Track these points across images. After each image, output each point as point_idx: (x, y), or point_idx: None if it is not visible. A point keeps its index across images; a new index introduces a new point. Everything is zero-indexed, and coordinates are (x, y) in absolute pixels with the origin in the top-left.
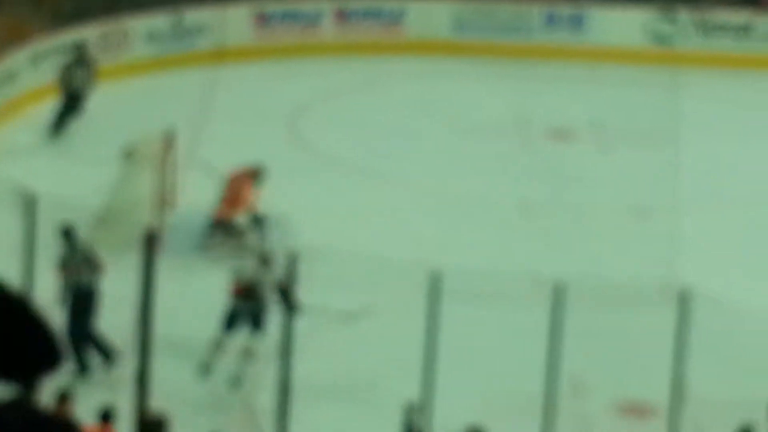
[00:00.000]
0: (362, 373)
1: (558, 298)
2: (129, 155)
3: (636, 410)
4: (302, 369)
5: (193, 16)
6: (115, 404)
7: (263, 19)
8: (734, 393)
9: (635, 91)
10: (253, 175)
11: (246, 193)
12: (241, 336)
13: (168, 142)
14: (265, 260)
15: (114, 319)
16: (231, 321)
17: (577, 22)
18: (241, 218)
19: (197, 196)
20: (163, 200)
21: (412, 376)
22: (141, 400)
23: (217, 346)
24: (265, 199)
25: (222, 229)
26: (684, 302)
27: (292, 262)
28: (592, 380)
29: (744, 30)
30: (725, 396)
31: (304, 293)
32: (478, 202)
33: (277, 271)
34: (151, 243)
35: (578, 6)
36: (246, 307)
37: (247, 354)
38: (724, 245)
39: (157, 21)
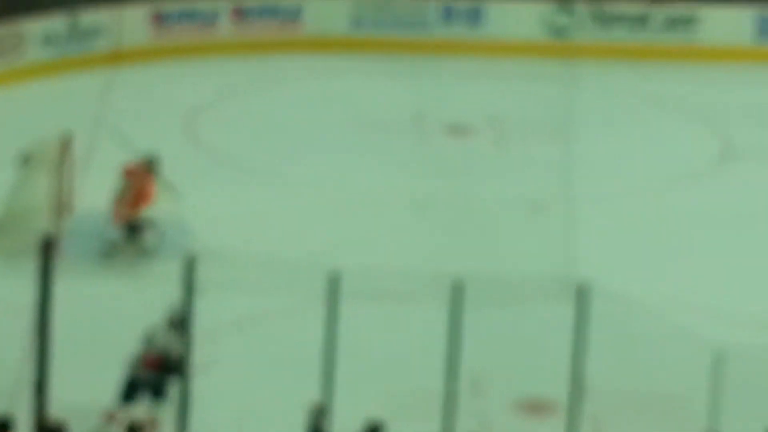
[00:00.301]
0: (264, 373)
1: (456, 296)
2: (26, 160)
3: (535, 407)
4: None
5: (89, 17)
6: (13, 413)
7: (160, 19)
8: (633, 386)
9: (533, 85)
10: (150, 168)
11: (149, 187)
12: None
13: (65, 145)
14: (177, 325)
15: (11, 327)
16: (130, 392)
17: (474, 16)
18: (146, 216)
19: (97, 200)
20: (61, 205)
21: (314, 378)
22: (39, 408)
23: (110, 419)
24: (163, 201)
25: (128, 231)
26: (582, 297)
27: (190, 264)
28: (492, 377)
29: (641, 21)
30: (624, 389)
31: (201, 298)
32: (376, 200)
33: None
34: (48, 249)
35: (475, 0)
36: (151, 378)
37: (151, 426)
38: (621, 238)
39: (53, 23)
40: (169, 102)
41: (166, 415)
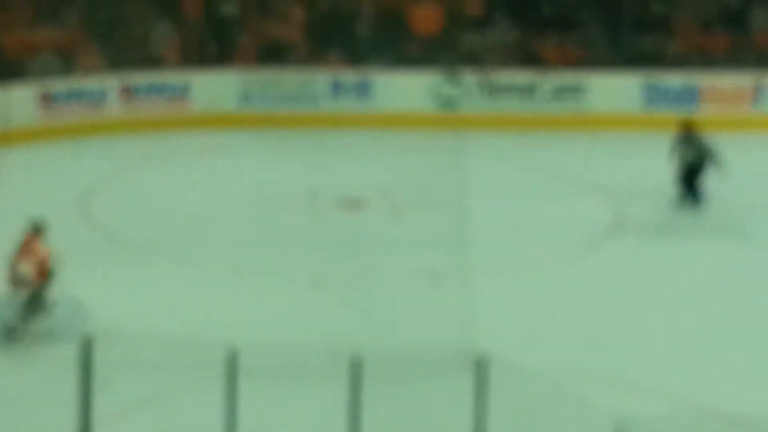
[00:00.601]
0: None
1: (355, 372)
2: None
3: None
4: None
5: None
6: None
7: (48, 99)
8: None
9: (423, 156)
10: (36, 231)
11: (35, 245)
12: None
13: None
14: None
15: None
16: None
17: (362, 89)
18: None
19: None
20: None
21: None
22: None
23: None
24: (59, 282)
25: (23, 309)
26: (481, 368)
27: (87, 345)
28: None
29: (528, 90)
30: None
31: (99, 377)
32: (272, 276)
33: None
34: None
35: (363, 73)
36: None
37: None
38: (517, 309)
39: None
40: (59, 183)
41: None
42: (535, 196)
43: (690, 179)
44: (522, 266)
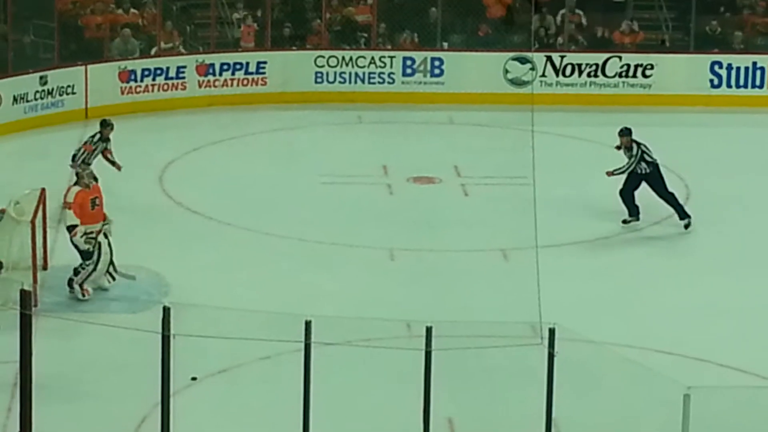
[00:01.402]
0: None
1: (428, 341)
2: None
3: None
4: None
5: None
6: None
7: (127, 77)
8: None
9: (493, 135)
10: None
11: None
12: None
13: (39, 201)
14: None
15: None
16: None
17: (434, 69)
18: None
19: (70, 255)
20: (37, 259)
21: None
22: None
23: None
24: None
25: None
26: (550, 340)
27: (167, 315)
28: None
29: (597, 70)
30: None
31: (178, 346)
32: (347, 250)
33: None
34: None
35: (435, 53)
36: None
37: None
38: (582, 281)
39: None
40: (141, 157)
41: None
42: (603, 174)
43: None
44: (587, 241)
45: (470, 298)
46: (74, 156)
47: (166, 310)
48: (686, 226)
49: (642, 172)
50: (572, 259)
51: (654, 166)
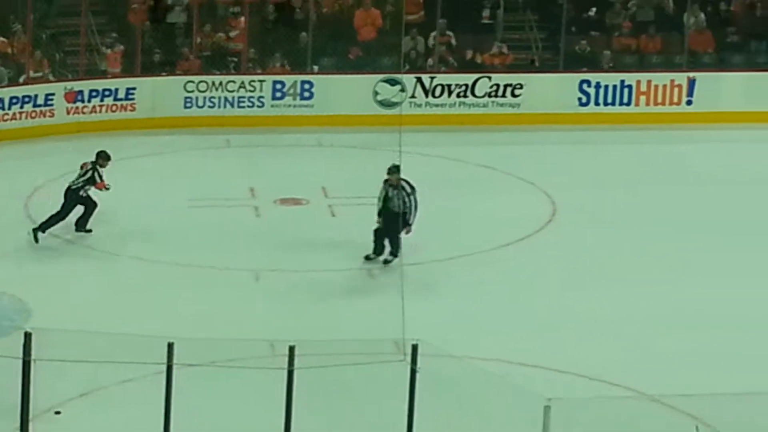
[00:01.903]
0: None
1: (290, 360)
2: None
3: None
4: None
5: None
6: None
7: None
8: None
9: (363, 156)
10: None
11: None
12: None
13: None
14: None
15: None
16: None
17: (304, 92)
18: None
19: None
20: None
21: None
22: None
23: None
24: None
25: None
26: (413, 355)
27: (28, 339)
28: None
29: (467, 91)
30: None
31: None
32: (212, 272)
33: None
34: None
35: (305, 77)
36: None
37: None
38: (450, 297)
39: None
40: (6, 182)
41: None
42: (473, 191)
43: (393, 229)
44: (457, 258)
45: (336, 317)
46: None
47: (28, 336)
48: (386, 262)
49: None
50: (437, 275)
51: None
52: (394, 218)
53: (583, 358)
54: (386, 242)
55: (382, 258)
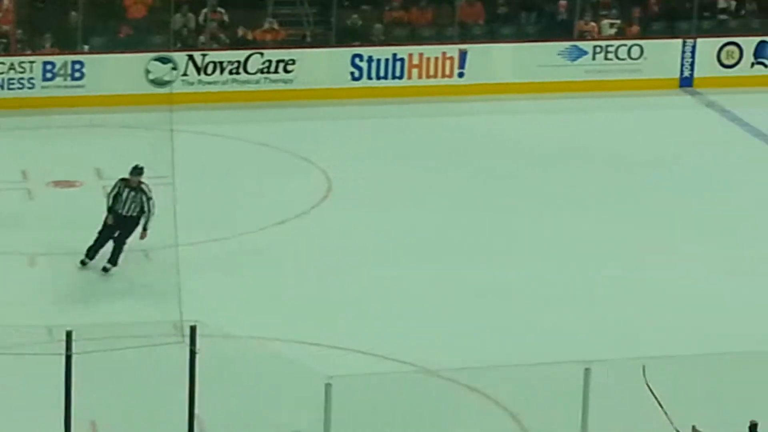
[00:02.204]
0: None
1: (68, 344)
2: None
3: None
4: None
5: None
6: None
7: None
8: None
9: (136, 136)
10: None
11: None
12: None
13: None
14: None
15: None
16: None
17: (75, 73)
18: None
19: None
20: None
21: None
22: None
23: None
24: None
25: None
26: (192, 337)
27: None
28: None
29: (238, 68)
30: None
31: None
32: None
33: None
34: None
35: (75, 56)
36: None
37: None
38: (230, 277)
39: None
40: None
41: None
42: (247, 169)
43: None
44: (232, 237)
45: (113, 300)
46: None
47: None
48: (105, 269)
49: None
50: (214, 255)
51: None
52: (123, 221)
53: (362, 335)
54: (109, 244)
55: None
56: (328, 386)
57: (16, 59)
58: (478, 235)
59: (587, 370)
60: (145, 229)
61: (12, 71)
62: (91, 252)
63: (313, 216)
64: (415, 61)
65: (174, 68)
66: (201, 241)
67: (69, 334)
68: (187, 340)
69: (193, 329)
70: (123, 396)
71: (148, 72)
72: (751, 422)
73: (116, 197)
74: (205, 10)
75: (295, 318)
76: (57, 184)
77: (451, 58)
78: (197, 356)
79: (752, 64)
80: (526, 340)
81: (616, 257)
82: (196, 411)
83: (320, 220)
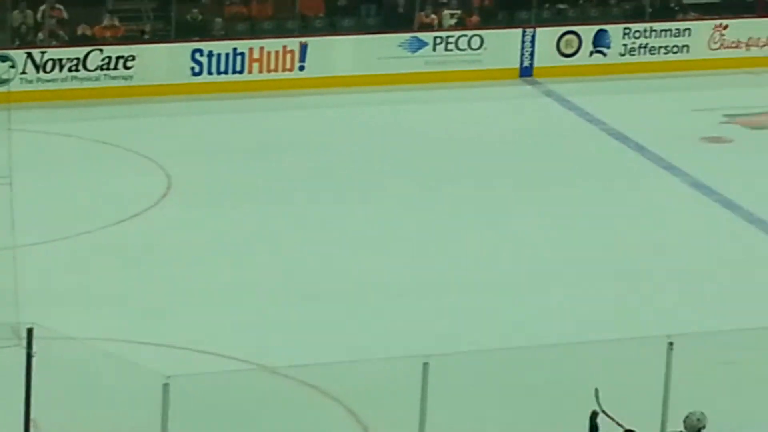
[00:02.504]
0: None
1: None
2: None
3: None
4: None
5: None
6: None
7: None
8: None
9: None
10: None
11: None
12: None
13: None
14: None
15: None
16: None
17: None
18: None
19: None
20: None
21: None
22: None
23: None
24: None
25: None
26: (29, 339)
27: None
28: None
29: (78, 64)
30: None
31: None
32: None
33: None
34: None
35: None
36: None
37: None
38: (67, 277)
39: None
40: None
41: None
42: (87, 168)
43: None
44: (72, 237)
45: None
46: None
47: None
48: None
49: None
50: (51, 256)
51: None
52: None
53: (199, 334)
54: None
55: None
56: (165, 386)
57: None
58: (311, 229)
59: (425, 365)
60: None
61: None
62: None
63: (153, 214)
64: (256, 56)
65: (12, 66)
66: (40, 241)
67: None
68: (24, 342)
69: (29, 331)
70: None
71: None
72: (592, 412)
73: None
74: (43, 7)
75: (134, 317)
76: None
77: (292, 52)
78: (34, 359)
79: (591, 53)
80: (362, 336)
81: (446, 248)
82: (33, 415)
83: (160, 218)
